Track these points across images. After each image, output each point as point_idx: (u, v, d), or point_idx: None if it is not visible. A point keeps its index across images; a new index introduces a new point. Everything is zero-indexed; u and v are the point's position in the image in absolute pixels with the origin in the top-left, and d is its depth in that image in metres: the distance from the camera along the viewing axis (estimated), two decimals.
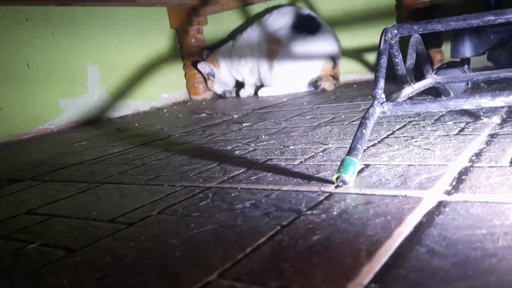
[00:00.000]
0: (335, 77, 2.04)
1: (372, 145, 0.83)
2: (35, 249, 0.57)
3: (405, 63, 0.86)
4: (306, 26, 2.03)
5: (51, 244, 0.57)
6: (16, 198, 0.86)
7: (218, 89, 2.43)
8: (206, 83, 2.49)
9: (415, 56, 0.89)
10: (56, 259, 0.52)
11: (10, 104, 1.86)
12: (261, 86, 2.23)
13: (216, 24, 2.54)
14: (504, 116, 0.90)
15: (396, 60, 0.82)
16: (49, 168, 1.11)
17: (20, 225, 0.68)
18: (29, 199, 0.83)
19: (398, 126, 0.96)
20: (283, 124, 1.22)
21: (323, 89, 1.97)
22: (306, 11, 2.09)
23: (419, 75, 0.96)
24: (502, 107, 0.98)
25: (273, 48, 2.08)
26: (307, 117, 1.28)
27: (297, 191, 0.63)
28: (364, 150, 0.79)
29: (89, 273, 0.47)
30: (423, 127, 0.92)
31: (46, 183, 0.94)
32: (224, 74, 2.34)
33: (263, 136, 1.08)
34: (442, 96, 1.07)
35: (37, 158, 1.28)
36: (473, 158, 0.66)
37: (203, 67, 2.34)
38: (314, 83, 1.99)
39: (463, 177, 0.59)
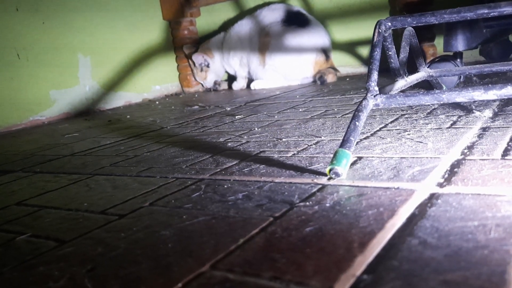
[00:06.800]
0: (334, 69, 2.05)
1: (365, 138, 0.83)
2: (25, 240, 0.56)
3: (398, 56, 0.86)
4: (296, 20, 2.06)
5: (42, 235, 0.57)
6: (6, 189, 0.85)
7: (210, 81, 2.39)
8: (194, 76, 2.45)
9: (408, 49, 0.89)
10: (47, 250, 0.52)
11: (0, 95, 1.84)
12: (252, 79, 2.22)
13: (209, 16, 2.52)
14: (496, 110, 0.90)
15: (390, 52, 0.82)
16: (39, 159, 1.10)
17: (10, 216, 0.67)
18: (19, 190, 0.82)
19: (390, 119, 0.96)
20: (276, 116, 1.22)
21: (327, 82, 1.97)
22: (295, 7, 2.12)
23: (412, 68, 0.96)
24: (494, 100, 0.98)
25: (265, 41, 2.08)
26: (300, 110, 1.28)
27: (290, 183, 0.63)
28: (357, 143, 0.80)
29: (80, 264, 0.47)
30: (416, 120, 0.92)
31: (36, 174, 0.93)
32: (218, 64, 2.33)
33: (256, 129, 1.08)
34: (435, 89, 1.07)
35: (28, 150, 1.27)
36: (465, 151, 0.67)
37: (196, 58, 2.32)
38: (320, 78, 1.99)
39: (455, 169, 0.59)
